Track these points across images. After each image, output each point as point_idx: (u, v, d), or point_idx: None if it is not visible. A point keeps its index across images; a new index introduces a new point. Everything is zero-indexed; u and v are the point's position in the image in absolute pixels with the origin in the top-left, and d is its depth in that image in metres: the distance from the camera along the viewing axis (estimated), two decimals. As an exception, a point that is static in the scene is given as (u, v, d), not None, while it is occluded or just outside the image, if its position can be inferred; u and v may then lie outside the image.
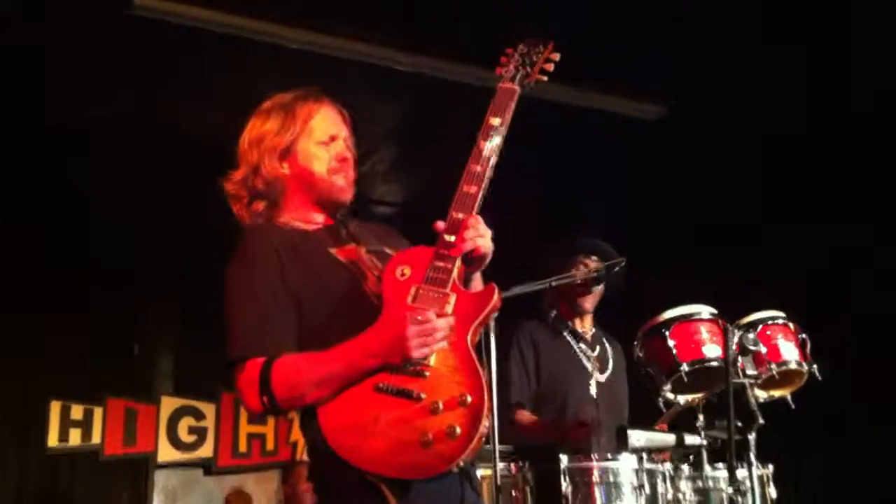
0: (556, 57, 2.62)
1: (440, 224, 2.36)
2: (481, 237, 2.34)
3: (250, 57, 5.22)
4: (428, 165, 6.41)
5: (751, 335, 3.47)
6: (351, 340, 2.25)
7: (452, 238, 2.33)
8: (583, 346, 4.32)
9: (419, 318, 2.20)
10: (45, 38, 5.03)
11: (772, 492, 3.81)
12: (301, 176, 2.52)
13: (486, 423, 2.16)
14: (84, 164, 5.91)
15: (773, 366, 3.51)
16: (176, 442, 6.95)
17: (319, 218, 2.56)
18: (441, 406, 2.15)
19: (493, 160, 2.42)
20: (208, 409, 7.08)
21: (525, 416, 4.20)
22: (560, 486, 3.47)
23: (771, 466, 3.85)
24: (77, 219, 6.20)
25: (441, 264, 2.31)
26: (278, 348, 2.29)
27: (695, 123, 5.73)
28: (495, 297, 2.31)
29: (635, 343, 3.71)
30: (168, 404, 6.98)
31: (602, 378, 4.26)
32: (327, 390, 2.22)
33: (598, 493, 3.50)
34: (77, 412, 6.65)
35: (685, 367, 3.41)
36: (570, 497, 3.47)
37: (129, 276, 6.45)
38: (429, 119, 5.97)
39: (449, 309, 2.26)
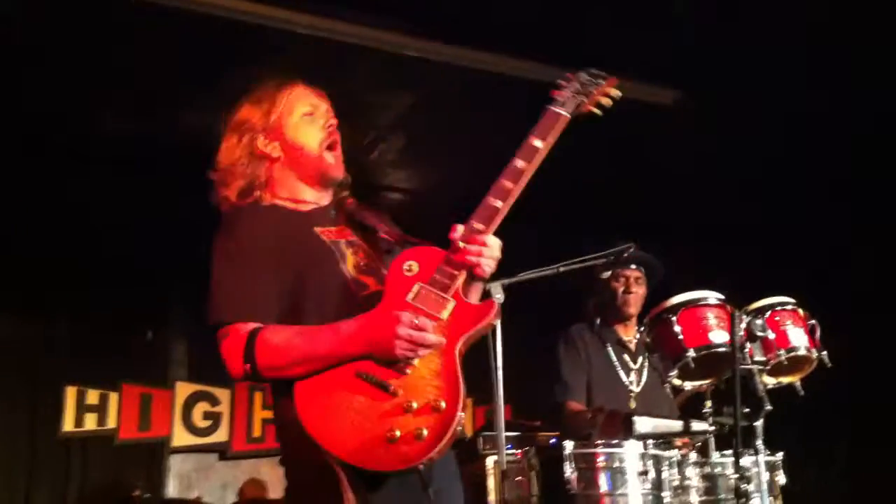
0: (616, 93, 2.61)
1: (457, 230, 2.37)
2: (489, 258, 2.36)
3: (257, 44, 5.19)
4: (437, 153, 6.41)
5: (759, 321, 3.43)
6: (342, 323, 2.26)
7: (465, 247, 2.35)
8: (626, 357, 4.37)
9: (416, 322, 2.22)
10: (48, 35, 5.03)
11: (780, 479, 3.79)
12: (291, 154, 2.53)
13: (457, 428, 2.16)
14: (90, 155, 5.94)
15: (782, 352, 3.47)
16: (191, 427, 6.99)
17: (310, 196, 2.56)
18: (415, 406, 2.17)
19: (525, 180, 2.41)
20: (223, 394, 7.12)
21: (573, 405, 4.24)
22: (565, 471, 3.47)
23: (780, 453, 3.83)
24: (91, 205, 6.22)
25: (448, 269, 2.33)
26: (262, 315, 2.31)
27: (710, 109, 5.68)
28: (492, 314, 2.33)
29: (642, 329, 3.68)
30: (183, 389, 7.03)
31: (638, 388, 4.29)
32: (310, 367, 2.24)
33: (602, 479, 3.48)
34: (92, 397, 6.70)
35: (691, 353, 3.38)
36: (574, 482, 3.46)
37: (144, 261, 6.47)
38: (438, 107, 5.94)
39: (445, 314, 2.28)
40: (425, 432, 2.13)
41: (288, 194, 2.55)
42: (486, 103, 5.68)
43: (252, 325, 2.28)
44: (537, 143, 2.46)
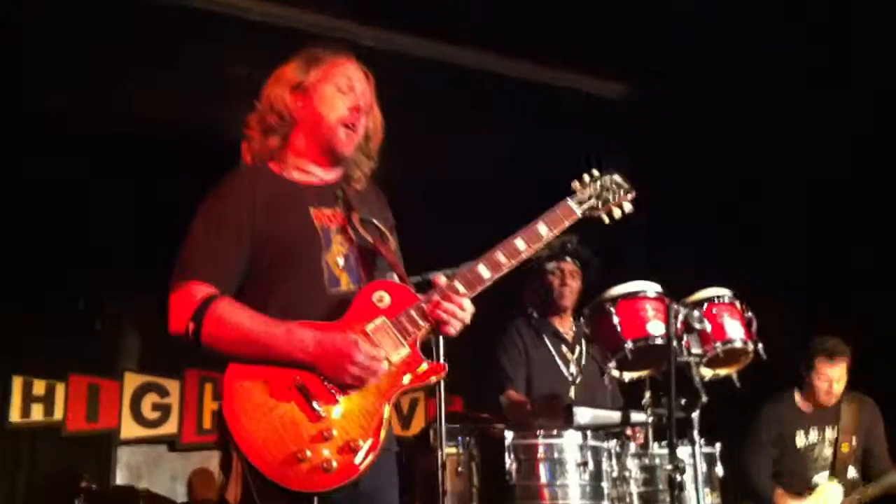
0: (629, 208, 2.67)
1: (440, 281, 2.39)
2: (458, 321, 2.38)
3: (211, 30, 5.16)
4: (393, 143, 6.37)
5: (696, 313, 3.44)
6: (298, 327, 2.26)
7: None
8: (564, 348, 4.45)
9: (373, 353, 2.24)
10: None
11: (718, 470, 3.82)
12: (310, 117, 2.53)
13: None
14: (43, 146, 5.85)
15: (719, 344, 3.48)
16: (140, 418, 6.94)
17: (317, 171, 2.56)
18: (334, 436, 2.18)
19: (518, 262, 2.45)
20: (172, 385, 7.08)
21: (513, 395, 4.32)
22: (505, 462, 3.48)
23: (718, 445, 3.86)
24: (39, 194, 6.13)
25: (416, 316, 2.35)
26: (223, 282, 2.32)
27: (658, 103, 5.71)
28: (440, 375, 2.36)
29: (582, 320, 3.70)
30: (132, 381, 6.97)
31: (578, 379, 4.37)
32: (251, 354, 2.23)
33: (542, 470, 3.51)
34: (39, 387, 6.63)
35: (629, 345, 3.39)
36: (514, 473, 3.48)
37: (92, 252, 6.39)
38: (394, 97, 5.91)
39: (396, 358, 2.30)
40: (335, 465, 2.15)
41: (299, 161, 2.55)
42: (441, 95, 5.67)
43: (210, 290, 2.28)
44: (543, 230, 2.50)
